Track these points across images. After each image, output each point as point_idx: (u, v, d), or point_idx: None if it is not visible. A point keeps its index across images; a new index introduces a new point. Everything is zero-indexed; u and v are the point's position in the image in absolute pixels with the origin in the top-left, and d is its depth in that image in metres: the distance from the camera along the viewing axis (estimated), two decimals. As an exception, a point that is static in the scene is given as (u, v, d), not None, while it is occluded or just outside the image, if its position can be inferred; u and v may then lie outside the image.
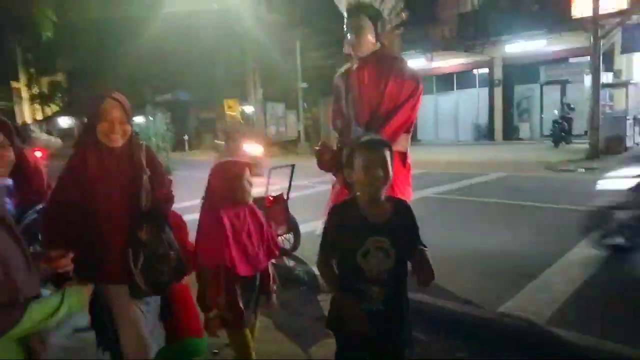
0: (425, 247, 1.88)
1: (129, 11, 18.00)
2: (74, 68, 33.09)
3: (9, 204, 4.38)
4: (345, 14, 3.55)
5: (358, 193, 1.90)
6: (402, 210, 1.91)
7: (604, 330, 2.91)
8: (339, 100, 3.64)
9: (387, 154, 1.85)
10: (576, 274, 3.98)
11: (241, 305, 2.21)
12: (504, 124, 20.12)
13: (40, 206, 4.16)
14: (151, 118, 28.42)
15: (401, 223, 1.88)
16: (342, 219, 1.90)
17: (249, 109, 22.35)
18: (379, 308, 1.82)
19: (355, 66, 3.54)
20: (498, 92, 20.09)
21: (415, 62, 20.43)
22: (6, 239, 1.48)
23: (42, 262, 1.68)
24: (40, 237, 3.99)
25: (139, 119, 31.80)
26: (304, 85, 20.28)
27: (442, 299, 3.51)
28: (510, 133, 20.02)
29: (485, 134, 20.70)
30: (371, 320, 1.79)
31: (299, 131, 21.47)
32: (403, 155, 3.39)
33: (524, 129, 20.09)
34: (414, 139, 22.39)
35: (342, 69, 3.71)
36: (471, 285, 3.84)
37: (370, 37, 3.46)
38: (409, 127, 3.41)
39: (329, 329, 1.98)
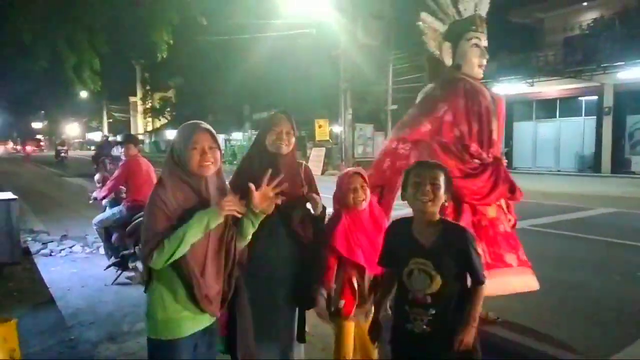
0: (482, 281, 1.80)
1: (235, 35, 19.27)
2: (182, 86, 35.98)
3: (123, 206, 4.87)
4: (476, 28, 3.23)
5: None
6: (454, 233, 1.84)
7: None
8: (494, 122, 3.19)
9: (441, 176, 1.84)
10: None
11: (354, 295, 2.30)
12: (613, 156, 18.43)
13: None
14: (247, 134, 30.05)
15: (450, 247, 1.81)
16: (395, 235, 1.93)
17: (337, 128, 22.74)
18: (424, 330, 1.79)
19: (482, 87, 3.26)
20: (607, 120, 18.50)
21: (514, 87, 19.58)
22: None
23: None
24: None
25: (237, 135, 33.85)
26: (394, 107, 20.25)
27: (542, 343, 3.06)
28: (620, 166, 18.26)
29: (591, 165, 19.10)
30: (415, 341, 1.79)
31: (386, 152, 21.36)
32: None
33: (637, 162, 18.23)
34: (510, 166, 21.30)
35: (472, 85, 3.25)
36: (575, 333, 3.46)
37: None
38: None
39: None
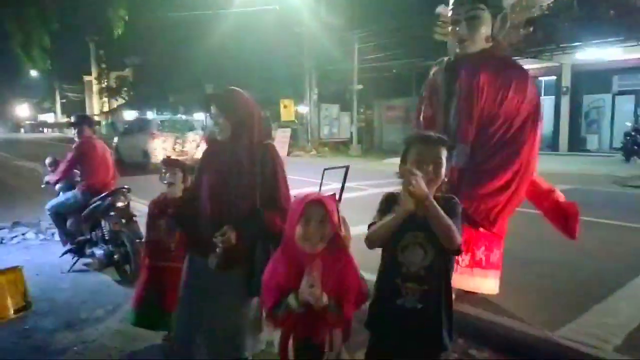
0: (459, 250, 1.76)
1: (194, 12, 18.63)
2: (140, 64, 34.70)
3: (77, 190, 4.60)
4: None
5: None
6: (448, 206, 1.76)
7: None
8: (431, 102, 3.09)
9: (443, 152, 1.76)
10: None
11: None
12: (570, 135, 19.06)
13: (104, 194, 4.33)
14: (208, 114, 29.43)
15: None
16: (390, 210, 1.80)
17: (303, 109, 22.53)
18: (414, 306, 1.74)
19: (456, 64, 3.00)
20: (565, 100, 19.05)
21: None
22: None
23: None
24: (111, 221, 4.19)
25: (199, 115, 33.05)
26: (359, 87, 20.18)
27: (497, 315, 3.29)
28: (577, 144, 18.93)
29: (549, 144, 19.71)
30: (405, 317, 1.74)
31: (351, 132, 21.40)
32: None
33: (592, 141, 18.93)
34: (471, 146, 21.75)
35: (443, 62, 3.13)
36: (531, 304, 3.59)
37: (485, 31, 3.01)
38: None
39: (367, 329, 1.90)
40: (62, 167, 4.60)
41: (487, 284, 3.43)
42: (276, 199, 2.21)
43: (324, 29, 18.96)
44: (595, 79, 18.21)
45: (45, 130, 55.03)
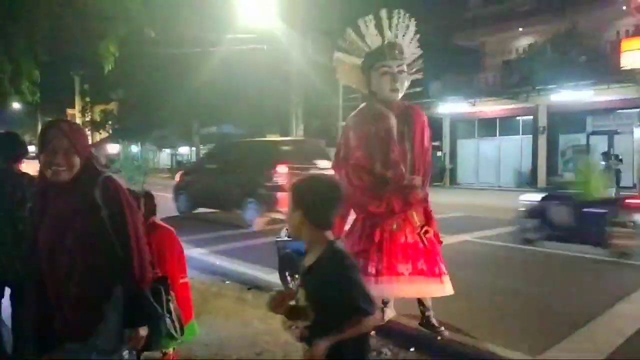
0: (364, 314, 1.55)
1: (183, 50, 19.03)
2: (125, 98, 34.83)
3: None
4: (388, 55, 3.57)
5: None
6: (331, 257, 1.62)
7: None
8: (393, 143, 3.49)
9: (289, 196, 1.71)
10: (625, 325, 3.82)
11: None
12: (548, 172, 19.66)
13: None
14: (194, 149, 29.46)
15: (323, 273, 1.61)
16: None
17: (289, 144, 22.84)
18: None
19: (388, 111, 3.55)
20: (542, 139, 19.75)
21: (458, 107, 20.54)
22: None
23: None
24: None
25: (184, 149, 33.14)
26: (344, 123, 20.60)
27: (481, 341, 3.45)
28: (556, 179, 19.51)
29: (528, 181, 20.26)
30: None
31: (337, 167, 21.67)
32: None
33: (569, 178, 19.50)
34: (454, 181, 22.20)
35: (377, 111, 3.58)
36: (513, 332, 3.75)
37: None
38: None
39: None
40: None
41: (420, 288, 3.53)
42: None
43: (311, 66, 19.53)
44: (570, 120, 18.99)
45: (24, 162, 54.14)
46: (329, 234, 1.67)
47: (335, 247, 1.64)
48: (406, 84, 3.69)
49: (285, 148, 10.44)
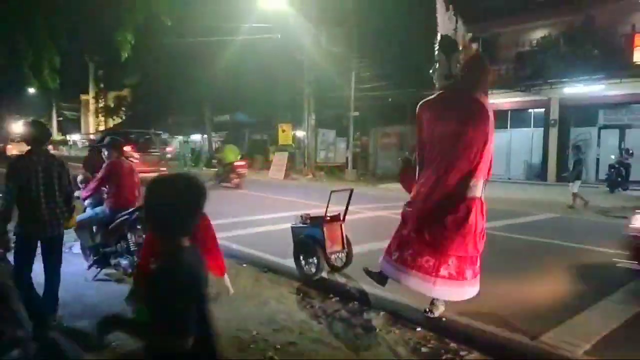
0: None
1: (199, 38, 19.25)
2: (139, 85, 35.16)
3: (105, 206, 5.01)
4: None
5: None
6: None
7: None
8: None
9: None
10: (618, 312, 4.10)
11: None
12: (558, 165, 19.75)
13: (131, 209, 4.74)
14: (205, 136, 29.79)
15: None
16: None
17: (300, 133, 23.11)
18: None
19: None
20: (553, 132, 19.80)
21: (469, 98, 20.56)
22: None
23: None
24: (136, 234, 4.56)
25: (196, 137, 33.52)
26: (356, 113, 20.81)
27: (486, 324, 3.77)
28: (564, 174, 19.60)
29: (538, 174, 20.37)
30: None
31: (347, 157, 21.95)
32: None
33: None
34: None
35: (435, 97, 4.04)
36: (513, 317, 4.02)
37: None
38: None
39: None
40: (92, 184, 5.00)
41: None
42: None
43: (323, 57, 19.69)
44: (581, 113, 19.00)
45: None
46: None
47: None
48: None
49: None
